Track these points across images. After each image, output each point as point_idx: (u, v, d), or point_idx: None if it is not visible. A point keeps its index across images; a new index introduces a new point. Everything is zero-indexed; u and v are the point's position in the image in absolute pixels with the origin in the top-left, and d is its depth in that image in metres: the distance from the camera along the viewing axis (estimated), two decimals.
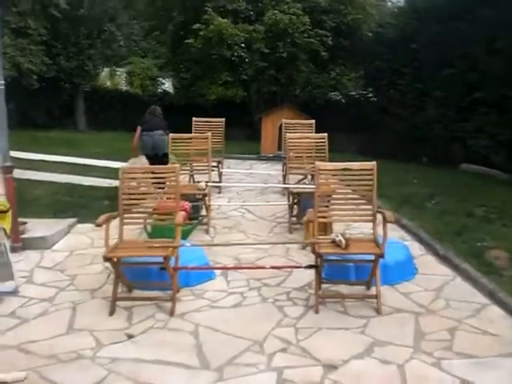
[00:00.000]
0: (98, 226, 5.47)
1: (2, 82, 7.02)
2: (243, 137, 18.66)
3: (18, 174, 8.33)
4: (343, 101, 21.87)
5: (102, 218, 5.49)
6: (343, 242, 5.40)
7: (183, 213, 5.99)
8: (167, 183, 6.18)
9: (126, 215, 5.80)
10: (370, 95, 19.73)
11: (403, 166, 13.75)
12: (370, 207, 5.75)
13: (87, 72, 21.68)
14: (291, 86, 19.92)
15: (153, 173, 6.08)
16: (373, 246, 5.51)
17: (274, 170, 12.09)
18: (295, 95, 20.11)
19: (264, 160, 13.41)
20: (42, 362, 4.47)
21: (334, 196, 6.22)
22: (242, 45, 17.55)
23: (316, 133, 10.16)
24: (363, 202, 5.92)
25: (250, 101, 19.90)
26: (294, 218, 8.23)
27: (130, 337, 4.91)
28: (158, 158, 9.30)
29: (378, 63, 16.98)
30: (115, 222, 5.81)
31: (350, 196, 6.13)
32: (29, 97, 20.09)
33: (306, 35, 17.22)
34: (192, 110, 14.97)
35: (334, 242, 5.49)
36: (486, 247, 7.13)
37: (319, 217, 5.81)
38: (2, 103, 7.03)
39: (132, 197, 5.88)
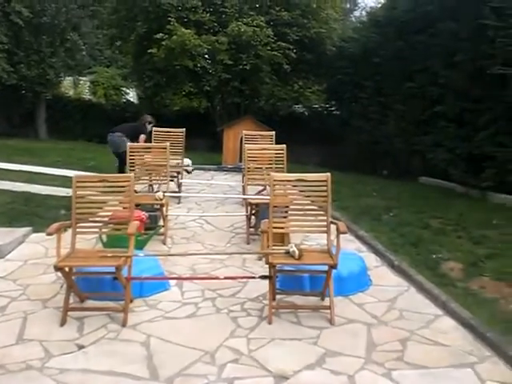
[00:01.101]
0: (49, 234, 5.39)
1: None
2: (206, 147, 18.67)
3: None
4: (306, 113, 22.04)
5: (53, 226, 5.40)
6: (296, 252, 5.41)
7: (137, 222, 5.95)
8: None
9: (78, 224, 5.72)
10: (333, 108, 19.86)
11: (364, 179, 13.88)
12: (324, 218, 5.77)
13: (49, 80, 21.42)
14: (255, 97, 19.98)
15: (107, 181, 6.00)
16: (326, 256, 5.53)
17: (234, 180, 12.10)
18: (259, 107, 20.17)
19: (225, 171, 13.40)
20: None
21: (290, 207, 6.24)
22: (206, 56, 17.57)
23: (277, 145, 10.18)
24: (318, 213, 5.94)
25: (213, 111, 19.90)
26: (252, 229, 8.23)
27: (81, 347, 4.84)
28: (119, 155, 10.82)
29: (340, 77, 17.12)
30: (70, 232, 5.75)
31: (306, 207, 6.15)
32: None
33: (269, 48, 17.29)
34: (156, 120, 14.88)
35: (287, 252, 5.50)
36: (441, 259, 7.23)
37: (274, 227, 5.81)
38: None
39: (85, 205, 5.81)
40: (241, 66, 17.43)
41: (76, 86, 26.90)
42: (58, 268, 5.20)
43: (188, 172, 11.40)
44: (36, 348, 4.83)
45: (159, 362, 4.60)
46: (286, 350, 4.87)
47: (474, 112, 11.47)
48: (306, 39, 18.35)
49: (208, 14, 17.65)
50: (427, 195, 11.38)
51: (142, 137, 10.89)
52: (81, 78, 26.57)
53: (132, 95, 26.11)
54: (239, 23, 17.02)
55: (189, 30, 16.68)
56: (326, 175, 5.74)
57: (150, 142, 10.82)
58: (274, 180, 5.90)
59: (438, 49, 12.55)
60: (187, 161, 11.41)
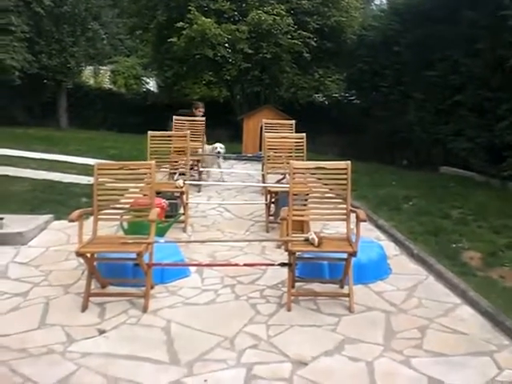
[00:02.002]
0: (71, 221, 5.46)
1: None
2: (226, 137, 18.66)
3: None
4: (326, 102, 21.98)
5: (75, 213, 5.47)
6: (316, 240, 5.44)
7: (157, 209, 6.00)
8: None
9: (100, 211, 5.79)
10: (353, 97, 19.78)
11: (383, 168, 13.83)
12: (344, 206, 5.78)
13: (70, 70, 21.57)
14: (275, 86, 19.95)
15: (128, 168, 6.06)
16: (346, 244, 5.55)
17: (254, 169, 12.12)
18: (279, 96, 20.13)
19: (245, 160, 13.42)
20: (12, 356, 4.46)
21: (310, 195, 6.27)
22: (226, 45, 17.55)
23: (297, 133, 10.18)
24: (338, 201, 5.96)
25: (233, 101, 19.90)
26: (271, 217, 8.26)
27: (102, 332, 4.91)
28: None
29: (360, 65, 17.02)
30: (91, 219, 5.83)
31: (326, 195, 6.16)
32: (10, 94, 20.01)
33: (289, 36, 17.25)
34: (176, 109, 14.92)
35: (307, 240, 5.53)
36: (461, 248, 7.21)
37: (294, 215, 5.84)
38: None
39: (107, 192, 5.87)
40: (261, 55, 17.41)
41: (96, 76, 27.06)
42: (79, 254, 5.28)
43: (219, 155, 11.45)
44: (58, 333, 4.91)
45: (179, 347, 4.66)
46: (304, 336, 4.90)
47: (494, 101, 11.38)
48: (326, 28, 18.28)
49: (228, 3, 17.60)
50: (447, 185, 11.31)
51: None
52: (101, 67, 26.71)
53: (152, 84, 26.22)
54: (259, 12, 16.97)
55: (209, 19, 16.66)
56: (345, 163, 5.75)
57: None
58: (294, 168, 5.92)
59: (459, 37, 12.44)
60: (218, 145, 11.43)
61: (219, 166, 11.67)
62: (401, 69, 15.19)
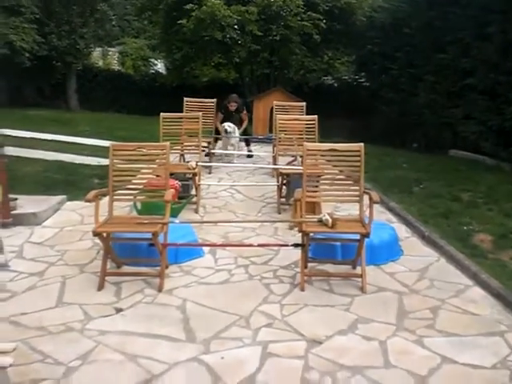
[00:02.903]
0: (88, 201, 5.54)
1: None
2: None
3: (9, 151, 8.35)
4: (335, 85, 21.92)
5: (92, 193, 5.54)
6: (330, 220, 5.49)
7: (172, 190, 6.06)
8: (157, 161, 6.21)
9: (115, 192, 5.85)
10: (362, 80, 19.70)
11: (393, 151, 13.81)
12: (356, 188, 5.82)
13: (79, 51, 21.53)
14: (285, 68, 19.89)
15: (143, 149, 6.11)
16: (359, 225, 5.60)
17: (264, 151, 12.15)
18: (288, 78, 20.08)
19: (255, 142, 13.44)
20: (31, 334, 4.54)
21: (323, 176, 6.32)
22: (235, 26, 17.48)
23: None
24: (350, 183, 6.00)
25: (242, 83, 19.86)
26: (282, 199, 8.31)
27: (119, 310, 4.99)
28: None
29: (370, 47, 16.95)
30: (106, 200, 5.90)
31: (338, 177, 6.20)
32: (20, 75, 20.03)
33: (299, 18, 17.17)
34: (184, 91, 14.94)
35: (320, 221, 5.58)
36: (472, 230, 7.25)
37: (307, 196, 5.88)
38: None
39: (122, 173, 5.93)
40: (270, 37, 17.33)
41: (105, 57, 27.04)
42: (96, 233, 5.35)
43: (226, 132, 11.46)
44: (75, 311, 4.99)
45: (195, 325, 4.74)
46: (318, 315, 4.97)
47: (505, 84, 11.34)
48: (336, 9, 18.17)
49: None
50: (457, 168, 11.31)
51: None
52: (110, 48, 26.67)
53: (160, 66, 26.17)
54: None
55: (218, 1, 16.60)
56: (359, 145, 5.79)
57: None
58: (307, 150, 5.96)
59: (470, 20, 12.37)
60: (226, 124, 11.46)
61: (235, 148, 11.69)
62: (411, 51, 15.11)
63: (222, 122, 11.64)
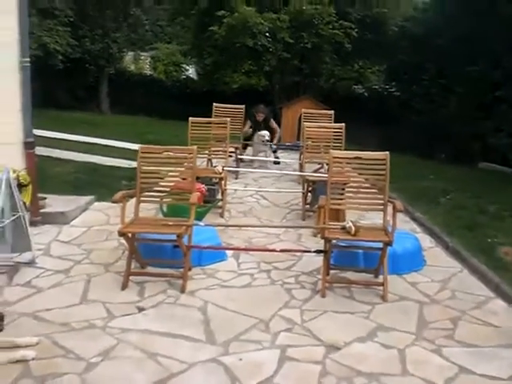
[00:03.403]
0: (115, 202, 5.65)
1: (28, 59, 7.14)
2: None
3: (40, 151, 8.54)
4: (366, 94, 21.88)
5: (119, 194, 5.65)
6: (353, 228, 5.52)
7: (198, 193, 6.14)
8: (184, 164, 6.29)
9: (142, 193, 5.95)
10: (393, 89, 19.69)
11: (421, 162, 13.78)
12: (381, 196, 5.84)
13: (112, 55, 21.82)
14: (315, 76, 19.92)
15: (171, 153, 6.20)
16: (382, 234, 5.62)
17: (291, 158, 12.19)
18: (318, 86, 20.11)
19: (283, 149, 13.47)
20: (54, 329, 4.64)
21: (348, 184, 6.35)
22: (267, 34, 17.57)
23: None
24: (375, 191, 6.02)
25: (272, 90, 19.92)
26: (308, 206, 8.34)
27: (141, 310, 5.08)
28: None
29: (401, 57, 16.95)
30: (132, 201, 6.00)
31: (363, 185, 6.23)
32: (53, 77, 20.29)
33: (330, 26, 17.21)
34: (214, 97, 15.02)
35: (344, 228, 5.61)
36: (497, 243, 7.20)
37: (331, 204, 5.92)
38: (28, 81, 7.15)
39: (149, 175, 6.02)
40: (301, 45, 17.39)
41: (137, 62, 27.30)
42: (121, 233, 5.45)
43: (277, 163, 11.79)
44: (99, 308, 5.09)
45: (216, 326, 4.80)
46: (338, 322, 5.00)
47: None
48: (368, 19, 18.18)
49: None
50: (485, 180, 11.25)
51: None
52: (142, 53, 26.93)
53: (191, 72, 26.35)
54: (301, 1, 16.95)
55: (250, 8, 16.70)
56: (384, 154, 5.80)
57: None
58: (333, 157, 6.00)
59: (502, 31, 12.31)
60: (266, 133, 11.58)
61: (266, 155, 11.83)
62: (442, 62, 15.08)
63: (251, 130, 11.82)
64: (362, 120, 17.17)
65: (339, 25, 17.27)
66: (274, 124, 12.20)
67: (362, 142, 14.64)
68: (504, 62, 12.25)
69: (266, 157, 11.82)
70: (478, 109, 13.60)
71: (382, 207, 5.84)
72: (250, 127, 11.86)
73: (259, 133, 11.46)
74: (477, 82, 13.55)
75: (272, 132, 11.96)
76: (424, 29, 16.04)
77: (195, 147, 6.13)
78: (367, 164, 6.01)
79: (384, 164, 5.78)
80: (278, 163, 11.86)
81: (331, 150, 6.38)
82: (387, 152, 5.81)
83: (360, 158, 6.02)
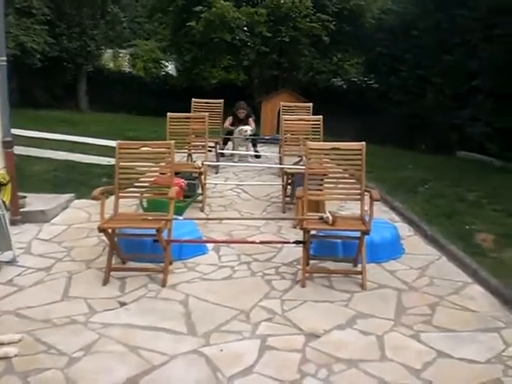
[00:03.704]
0: (94, 198, 5.66)
1: (4, 58, 7.11)
2: None
3: (19, 150, 8.52)
4: (344, 86, 21.98)
5: (97, 190, 5.66)
6: (330, 218, 5.58)
7: (176, 188, 6.16)
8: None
9: (121, 189, 5.97)
10: (371, 81, 19.80)
11: (401, 152, 13.90)
12: (358, 186, 5.90)
13: (90, 53, 21.75)
14: (293, 70, 19.99)
15: (149, 148, 6.22)
16: (359, 223, 5.68)
17: (271, 152, 12.24)
18: (297, 79, 20.17)
19: (262, 142, 13.52)
20: (36, 326, 4.65)
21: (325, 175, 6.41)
22: (245, 28, 17.59)
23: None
24: (353, 181, 6.08)
25: (251, 84, 19.96)
26: (287, 198, 8.40)
27: (123, 304, 5.10)
28: None
29: (379, 49, 17.05)
30: (113, 198, 6.02)
31: (340, 175, 6.29)
32: (31, 76, 20.22)
33: (308, 20, 17.25)
34: (194, 92, 15.02)
35: (321, 218, 5.67)
36: (475, 230, 7.29)
37: (309, 195, 5.97)
38: (4, 80, 7.11)
39: (127, 171, 6.04)
40: (279, 39, 17.42)
41: (116, 59, 27.23)
42: (101, 229, 5.46)
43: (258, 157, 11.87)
44: (80, 305, 5.10)
45: (197, 319, 4.84)
46: (317, 311, 5.06)
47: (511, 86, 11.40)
48: (345, 11, 18.25)
49: None
50: (464, 169, 11.37)
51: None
52: (120, 50, 26.86)
53: (171, 68, 26.32)
54: None
55: (228, 3, 16.70)
56: (360, 144, 5.86)
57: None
58: (310, 149, 6.05)
59: (477, 22, 12.44)
60: (248, 127, 11.66)
61: (247, 149, 11.95)
62: (419, 53, 15.21)
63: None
64: (341, 112, 17.30)
65: (317, 18, 17.32)
66: (252, 123, 12.24)
67: (343, 134, 14.74)
68: (479, 51, 12.36)
69: (247, 151, 11.84)
70: (455, 99, 13.73)
71: (359, 197, 5.90)
72: (231, 124, 11.91)
73: (241, 127, 11.48)
74: (453, 71, 13.66)
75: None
76: (400, 20, 16.13)
77: (173, 142, 6.16)
78: (344, 155, 6.07)
79: (360, 154, 5.84)
80: (259, 157, 11.90)
81: (308, 142, 6.44)
82: (363, 142, 5.87)
83: (337, 149, 6.07)
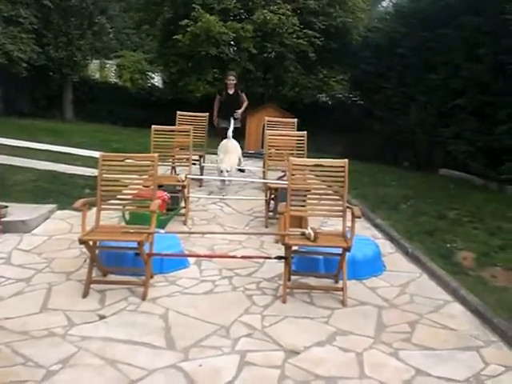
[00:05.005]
0: (76, 209, 5.66)
1: None
2: None
3: (2, 159, 8.49)
4: (330, 103, 22.08)
5: (79, 202, 5.65)
6: (312, 234, 5.60)
7: (159, 201, 6.16)
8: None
9: (103, 201, 5.95)
10: (356, 98, 19.93)
11: (384, 169, 13.94)
12: (340, 203, 5.93)
13: (76, 63, 21.67)
14: (279, 85, 20.05)
15: (132, 160, 6.22)
16: (341, 239, 5.71)
17: (256, 166, 12.25)
18: (283, 95, 20.23)
19: (247, 157, 13.52)
20: (14, 338, 4.63)
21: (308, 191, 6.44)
22: (232, 42, 17.65)
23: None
24: (335, 197, 6.11)
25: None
26: (270, 213, 8.40)
27: (102, 317, 5.08)
28: None
29: (364, 66, 17.14)
30: (95, 210, 6.00)
31: (324, 192, 6.32)
32: (16, 85, 20.17)
33: (294, 36, 17.34)
34: (180, 105, 15.02)
35: (303, 234, 5.68)
36: (455, 248, 7.33)
37: (292, 210, 5.98)
38: None
39: (110, 183, 6.03)
40: (265, 55, 17.49)
41: (102, 69, 27.19)
42: (82, 241, 5.43)
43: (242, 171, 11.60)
44: (59, 317, 5.09)
45: (176, 333, 4.83)
46: (298, 327, 5.06)
47: (494, 105, 11.51)
48: (332, 28, 18.34)
49: (234, 1, 17.68)
50: (446, 186, 11.43)
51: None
52: (107, 61, 26.83)
53: (157, 80, 26.31)
54: (265, 11, 17.06)
55: (213, 17, 16.76)
56: (343, 161, 5.90)
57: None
58: (293, 164, 6.08)
59: (461, 42, 12.57)
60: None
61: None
62: (404, 71, 15.31)
63: (220, 109, 12.25)
64: (327, 128, 17.38)
65: (303, 34, 17.41)
66: (244, 96, 12.42)
67: (327, 149, 14.81)
68: (463, 70, 12.47)
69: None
70: (439, 117, 13.81)
71: (341, 213, 5.92)
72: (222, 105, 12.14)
73: (220, 160, 10.23)
74: (437, 90, 13.76)
75: (241, 102, 12.36)
76: (386, 38, 16.25)
77: (156, 155, 6.16)
78: (327, 171, 6.09)
79: (343, 171, 5.88)
80: (243, 171, 11.89)
81: (291, 158, 6.47)
82: (346, 160, 5.91)
83: (320, 166, 6.11)
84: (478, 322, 5.31)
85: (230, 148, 10.49)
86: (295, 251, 5.86)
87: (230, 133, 10.75)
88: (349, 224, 5.85)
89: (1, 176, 7.44)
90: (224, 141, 10.77)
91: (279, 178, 9.38)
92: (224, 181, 10.09)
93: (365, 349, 4.68)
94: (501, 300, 5.66)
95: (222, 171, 9.82)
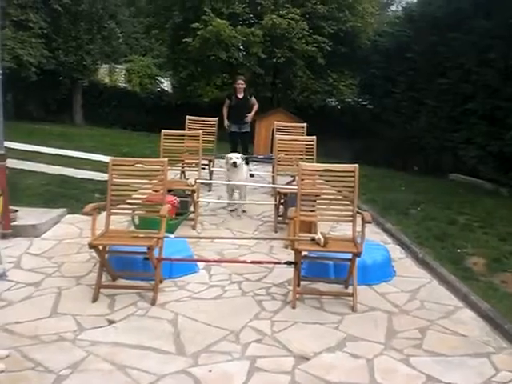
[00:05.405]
0: (85, 214, 5.66)
1: (0, 71, 7.11)
2: None
3: (12, 163, 8.51)
4: (339, 107, 22.09)
5: (89, 206, 5.66)
6: (322, 239, 5.58)
7: (168, 205, 6.15)
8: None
9: (113, 205, 5.95)
10: (365, 102, 19.93)
11: (394, 174, 13.94)
12: (350, 208, 5.91)
13: (86, 67, 21.80)
14: (288, 89, 20.07)
15: (142, 165, 6.22)
16: (351, 245, 5.68)
17: (265, 171, 12.24)
18: (292, 99, 20.24)
19: (256, 161, 13.54)
20: (24, 342, 4.62)
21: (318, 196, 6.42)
22: (241, 47, 17.70)
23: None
24: (345, 203, 6.09)
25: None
26: (279, 218, 8.39)
27: (111, 322, 5.07)
28: None
29: (373, 71, 17.16)
30: (104, 214, 6.00)
31: (333, 197, 6.30)
32: (27, 90, 20.28)
33: (303, 41, 17.36)
34: (189, 109, 15.05)
35: (313, 239, 5.67)
36: (466, 253, 7.31)
37: (301, 215, 5.97)
38: None
39: (120, 188, 6.03)
40: (274, 60, 17.50)
41: (111, 74, 27.30)
42: (92, 246, 5.43)
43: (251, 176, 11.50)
44: (69, 321, 5.07)
45: (186, 338, 4.81)
46: (307, 333, 5.03)
47: (505, 110, 11.47)
48: (341, 33, 18.37)
49: (243, 6, 17.72)
50: (456, 191, 11.41)
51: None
52: (116, 65, 26.95)
53: (166, 84, 26.39)
54: (274, 16, 17.08)
55: (224, 21, 16.81)
56: (353, 166, 5.89)
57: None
58: (302, 169, 6.06)
59: (471, 46, 12.54)
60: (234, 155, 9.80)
61: (241, 193, 9.96)
62: (413, 75, 15.31)
63: (229, 113, 12.07)
64: (336, 133, 17.37)
65: (313, 39, 17.43)
66: (254, 100, 12.32)
67: (337, 155, 14.78)
68: (473, 75, 12.45)
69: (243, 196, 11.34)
70: (448, 121, 13.79)
71: (351, 219, 5.90)
72: (231, 109, 12.05)
73: (229, 156, 9.56)
74: (446, 94, 13.74)
75: (251, 106, 12.18)
76: (395, 43, 16.26)
77: (166, 159, 6.15)
78: (337, 176, 6.08)
79: (353, 176, 5.86)
80: (252, 176, 11.88)
81: (300, 163, 6.46)
82: (356, 165, 5.89)
83: (330, 171, 6.09)
84: (489, 328, 5.27)
85: (238, 183, 9.38)
86: (305, 256, 5.84)
87: (239, 161, 9.26)
88: (358, 229, 5.85)
89: (11, 180, 7.43)
90: (231, 170, 9.28)
91: (288, 183, 9.36)
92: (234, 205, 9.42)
93: (375, 355, 4.65)
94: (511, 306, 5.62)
95: (235, 163, 9.09)
